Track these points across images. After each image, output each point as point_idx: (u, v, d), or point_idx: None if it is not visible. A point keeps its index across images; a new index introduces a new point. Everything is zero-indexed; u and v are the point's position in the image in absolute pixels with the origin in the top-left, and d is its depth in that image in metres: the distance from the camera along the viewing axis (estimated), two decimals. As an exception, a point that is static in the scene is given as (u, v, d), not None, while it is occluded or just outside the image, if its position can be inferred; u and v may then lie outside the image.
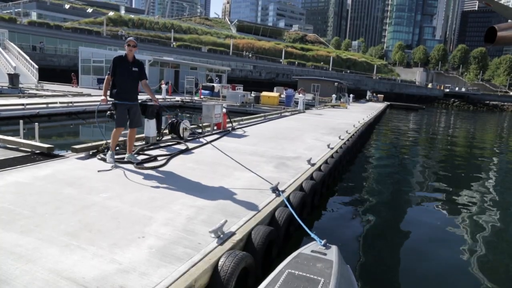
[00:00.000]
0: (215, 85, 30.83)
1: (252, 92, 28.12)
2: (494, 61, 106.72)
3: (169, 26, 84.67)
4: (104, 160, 6.35)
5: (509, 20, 3.33)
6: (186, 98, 25.28)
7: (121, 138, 7.70)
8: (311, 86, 40.20)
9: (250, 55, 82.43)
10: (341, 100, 34.35)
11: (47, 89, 24.16)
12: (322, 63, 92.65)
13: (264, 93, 26.42)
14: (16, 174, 5.28)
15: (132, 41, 6.00)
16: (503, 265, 5.12)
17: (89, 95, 21.96)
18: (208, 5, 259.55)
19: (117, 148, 7.17)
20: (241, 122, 13.57)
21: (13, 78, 22.58)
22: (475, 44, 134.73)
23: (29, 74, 31.10)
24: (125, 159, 6.37)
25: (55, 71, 42.72)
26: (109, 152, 6.24)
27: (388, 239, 5.83)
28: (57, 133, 13.77)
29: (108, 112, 6.20)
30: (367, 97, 51.39)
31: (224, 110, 11.34)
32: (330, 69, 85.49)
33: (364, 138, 15.73)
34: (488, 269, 4.86)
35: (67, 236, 3.43)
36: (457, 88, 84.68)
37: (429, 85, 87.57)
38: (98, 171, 5.69)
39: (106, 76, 6.01)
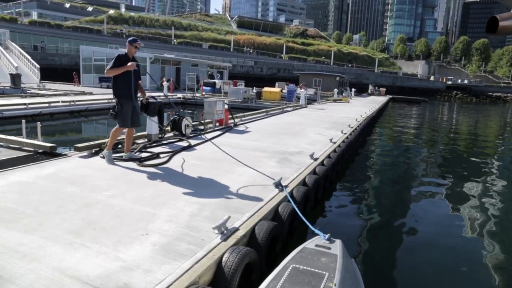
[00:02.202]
0: (216, 81, 30.79)
1: (254, 88, 28.07)
2: (496, 52, 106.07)
3: (169, 23, 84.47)
4: (106, 158, 6.36)
5: (511, 10, 3.29)
6: (188, 95, 25.27)
7: (123, 136, 7.73)
8: (312, 81, 40.12)
9: (251, 51, 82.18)
10: (343, 94, 34.23)
11: (49, 89, 24.20)
12: (323, 57, 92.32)
13: (266, 89, 26.35)
14: (19, 173, 5.29)
15: (140, 44, 6.03)
16: (507, 257, 5.10)
17: (91, 93, 21.98)
18: (208, 2, 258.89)
19: (119, 146, 7.18)
20: (243, 118, 13.55)
21: (15, 78, 22.61)
22: (477, 35, 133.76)
23: (31, 73, 31.15)
24: (124, 157, 6.36)
25: (57, 70, 42.76)
26: (106, 152, 6.14)
27: (392, 232, 5.82)
28: (60, 132, 13.80)
29: (112, 111, 6.03)
30: (369, 91, 51.27)
31: (226, 106, 11.32)
32: (331, 63, 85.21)
33: (367, 132, 15.69)
34: (493, 264, 4.85)
35: (70, 234, 3.44)
36: (459, 80, 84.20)
37: (431, 78, 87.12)
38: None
39: (110, 69, 5.70)
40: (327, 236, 3.34)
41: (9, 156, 6.29)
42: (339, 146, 8.98)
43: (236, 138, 9.35)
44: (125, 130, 6.34)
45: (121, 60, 5.79)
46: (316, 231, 3.53)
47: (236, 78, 39.70)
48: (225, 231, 3.57)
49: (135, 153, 6.74)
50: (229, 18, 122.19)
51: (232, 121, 11.81)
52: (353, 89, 39.86)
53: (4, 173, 5.27)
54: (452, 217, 6.55)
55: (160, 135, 8.46)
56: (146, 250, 3.19)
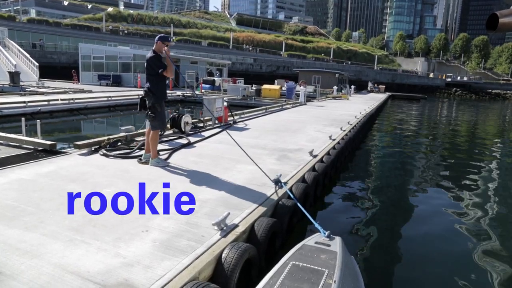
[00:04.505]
0: (215, 79, 30.75)
1: (253, 85, 28.06)
2: (496, 49, 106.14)
3: (168, 21, 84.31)
4: (106, 155, 6.36)
5: (511, 6, 3.30)
6: (187, 92, 25.24)
7: (122, 134, 7.74)
8: (312, 78, 40.09)
9: (250, 48, 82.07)
10: (342, 91, 34.21)
11: (48, 87, 24.18)
12: (322, 54, 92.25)
13: (265, 86, 26.32)
14: (19, 171, 5.30)
15: (172, 42, 5.95)
16: (507, 255, 5.13)
17: (90, 91, 21.95)
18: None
19: (119, 144, 7.18)
20: (242, 116, 13.56)
21: (14, 76, 22.60)
22: (477, 32, 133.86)
23: (29, 71, 31.10)
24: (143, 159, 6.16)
25: (56, 68, 42.72)
26: (154, 160, 5.87)
27: (392, 229, 5.84)
28: (59, 130, 13.79)
29: (151, 113, 5.72)
30: (369, 88, 51.26)
31: (225, 103, 11.32)
32: (331, 60, 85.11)
33: (366, 129, 15.70)
34: (494, 261, 4.87)
35: (71, 231, 3.45)
36: (458, 77, 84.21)
37: (431, 75, 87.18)
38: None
39: (167, 68, 5.55)
40: (326, 233, 3.36)
41: (9, 154, 6.30)
42: (338, 143, 8.99)
43: (236, 135, 9.33)
44: (146, 130, 6.12)
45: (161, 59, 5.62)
46: (317, 225, 3.55)
47: (236, 76, 39.67)
48: (224, 228, 3.59)
49: (135, 150, 6.73)
50: (228, 16, 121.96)
51: (231, 118, 11.82)
52: (352, 86, 39.80)
53: (4, 170, 5.29)
54: (453, 214, 6.57)
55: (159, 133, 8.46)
56: (146, 247, 3.21)
